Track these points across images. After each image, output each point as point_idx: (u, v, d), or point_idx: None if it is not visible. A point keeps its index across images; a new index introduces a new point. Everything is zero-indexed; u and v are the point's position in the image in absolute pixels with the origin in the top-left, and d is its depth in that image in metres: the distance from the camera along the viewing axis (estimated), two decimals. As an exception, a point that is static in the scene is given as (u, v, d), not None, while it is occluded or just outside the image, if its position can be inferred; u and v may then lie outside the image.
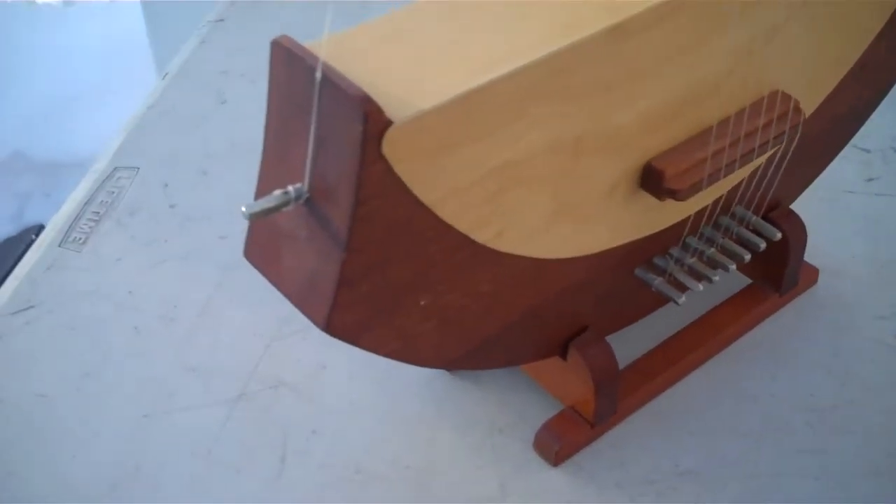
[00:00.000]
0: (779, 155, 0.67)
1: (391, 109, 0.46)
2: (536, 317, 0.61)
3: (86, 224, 0.85)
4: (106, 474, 0.67)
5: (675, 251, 0.66)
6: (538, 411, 0.68)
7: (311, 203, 0.49)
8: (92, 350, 0.75)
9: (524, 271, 0.57)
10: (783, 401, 0.70)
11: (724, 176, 0.60)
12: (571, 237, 0.59)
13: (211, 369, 0.73)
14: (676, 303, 0.64)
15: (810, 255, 0.77)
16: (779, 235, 0.69)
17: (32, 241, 0.87)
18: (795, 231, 0.72)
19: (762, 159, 0.66)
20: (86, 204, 0.87)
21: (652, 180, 0.59)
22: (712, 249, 0.67)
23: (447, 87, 0.48)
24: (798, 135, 0.64)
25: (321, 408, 0.70)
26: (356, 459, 0.67)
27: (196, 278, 0.80)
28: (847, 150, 0.89)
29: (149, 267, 0.82)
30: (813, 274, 0.77)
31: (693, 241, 0.67)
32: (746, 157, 0.61)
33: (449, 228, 0.52)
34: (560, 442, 0.66)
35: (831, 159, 0.76)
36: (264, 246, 0.53)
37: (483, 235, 0.54)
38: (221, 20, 1.14)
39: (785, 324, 0.75)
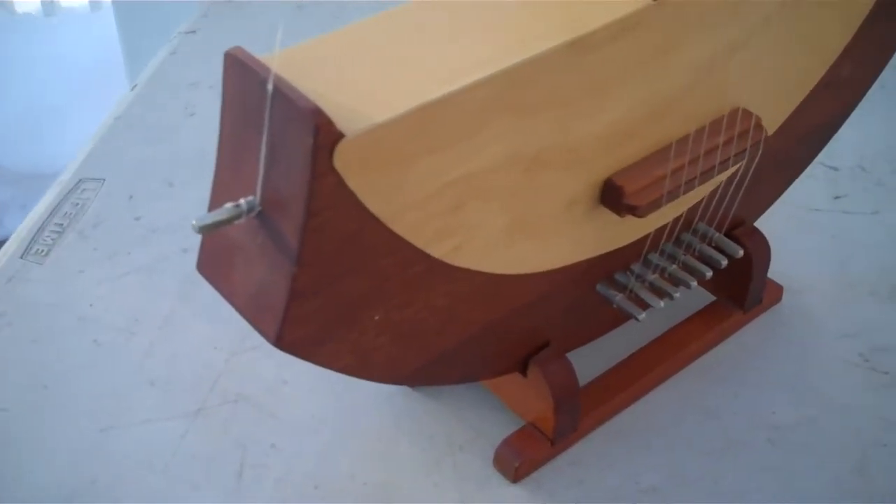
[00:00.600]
0: (741, 172, 0.66)
1: (344, 122, 0.46)
2: (495, 332, 0.61)
3: (49, 236, 0.85)
4: (63, 487, 0.66)
5: (636, 267, 0.66)
6: (499, 427, 0.68)
7: (263, 216, 0.48)
8: (52, 363, 0.74)
9: (482, 286, 0.57)
10: (745, 418, 0.69)
11: (685, 193, 0.60)
12: (530, 252, 0.59)
13: (170, 383, 0.72)
14: (637, 319, 0.64)
15: (775, 273, 0.77)
16: (741, 252, 0.68)
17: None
18: (759, 248, 0.72)
19: (724, 176, 0.65)
20: (49, 216, 0.86)
21: (612, 196, 0.59)
22: (674, 266, 0.67)
23: (404, 99, 0.48)
24: (759, 152, 0.64)
25: (281, 422, 0.70)
26: (314, 475, 0.66)
27: (158, 291, 0.79)
28: (815, 168, 0.89)
29: (111, 279, 0.81)
30: (777, 291, 0.77)
31: (655, 258, 0.66)
32: (707, 175, 0.61)
33: (404, 243, 0.51)
34: (520, 458, 0.65)
35: (796, 177, 0.76)
36: (217, 259, 0.52)
37: (439, 250, 0.53)
38: (193, 32, 1.13)
39: (748, 341, 0.75)
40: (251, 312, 0.51)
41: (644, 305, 0.65)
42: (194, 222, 0.47)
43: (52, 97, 2.03)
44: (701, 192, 0.65)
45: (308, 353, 0.51)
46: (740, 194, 0.68)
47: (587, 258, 0.62)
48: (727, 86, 0.61)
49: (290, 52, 0.50)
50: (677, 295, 0.65)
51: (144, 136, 0.96)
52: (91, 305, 0.78)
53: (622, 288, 0.65)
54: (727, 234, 0.71)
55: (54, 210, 0.87)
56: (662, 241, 0.66)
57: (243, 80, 0.48)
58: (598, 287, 0.65)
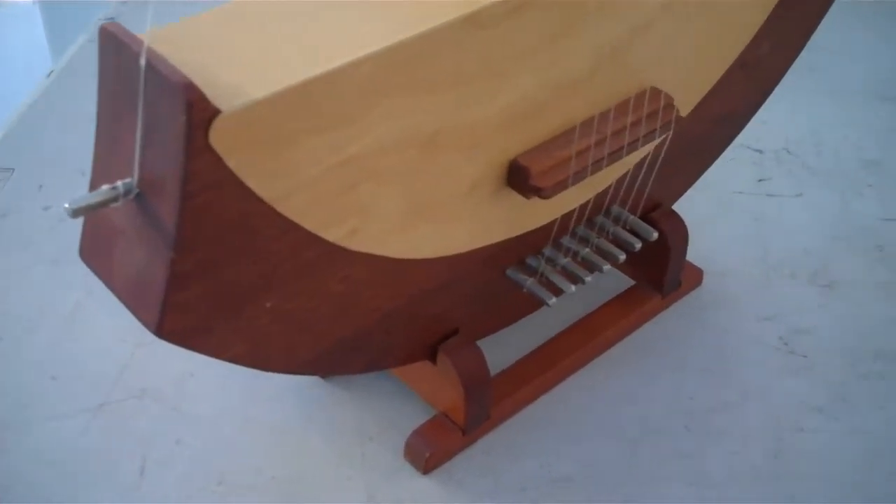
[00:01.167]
0: (653, 154, 0.65)
1: (222, 98, 0.44)
2: (398, 319, 0.59)
3: (-48, 227, 0.82)
4: (-45, 488, 0.63)
5: (548, 251, 0.64)
6: (411, 418, 0.66)
7: (142, 199, 0.46)
8: (-50, 358, 0.71)
9: (381, 272, 0.55)
10: (662, 404, 0.68)
11: (592, 174, 0.59)
12: (432, 236, 0.57)
13: (73, 377, 0.70)
14: (547, 304, 0.62)
15: (697, 256, 0.76)
16: (655, 235, 0.67)
17: None
18: (676, 231, 0.71)
19: (635, 157, 0.64)
20: (-47, 206, 0.84)
21: (517, 178, 0.57)
22: (587, 250, 0.65)
23: (287, 76, 0.46)
24: (671, 132, 0.62)
25: (186, 417, 0.67)
26: (220, 470, 0.64)
27: (65, 283, 0.77)
28: (740, 151, 0.89)
29: (17, 271, 0.78)
30: (697, 275, 0.76)
31: (567, 241, 0.65)
32: (615, 156, 0.59)
33: (293, 226, 0.49)
34: (430, 449, 0.64)
35: (714, 159, 0.75)
36: (99, 245, 0.50)
37: (334, 234, 0.51)
38: (111, 19, 1.10)
39: (667, 326, 0.73)
40: (132, 300, 0.49)
41: (556, 290, 0.63)
42: (67, 205, 0.45)
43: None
44: (612, 173, 0.64)
45: (193, 342, 0.49)
46: (653, 176, 0.67)
47: (494, 242, 0.61)
48: (635, 67, 0.60)
49: (171, 27, 0.48)
50: (589, 279, 0.64)
51: (58, 124, 0.94)
52: (-7, 298, 0.76)
53: (533, 272, 0.64)
54: (644, 217, 0.70)
55: (-41, 201, 0.84)
56: (573, 223, 0.64)
57: (118, 55, 0.46)
58: (509, 272, 0.64)
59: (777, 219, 0.82)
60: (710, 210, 0.83)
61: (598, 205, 0.65)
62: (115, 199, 0.46)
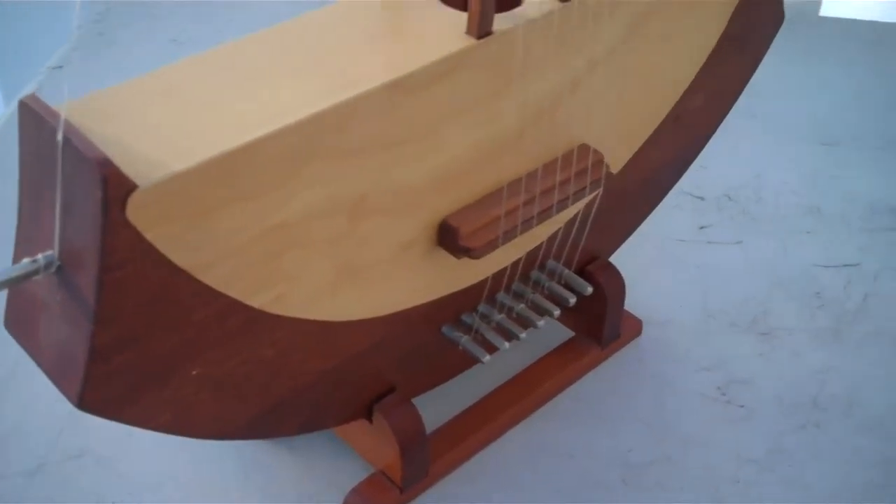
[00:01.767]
0: (586, 209, 0.66)
1: (140, 171, 0.44)
2: (332, 380, 0.59)
3: None
4: None
5: (483, 307, 0.64)
6: (350, 476, 0.66)
7: (63, 272, 0.46)
8: None
9: (312, 335, 0.55)
10: (601, 458, 0.68)
11: (522, 233, 0.59)
12: (363, 298, 0.57)
13: (10, 438, 0.69)
14: (481, 362, 0.63)
15: (637, 305, 0.77)
16: (590, 290, 0.68)
17: None
18: (612, 283, 0.71)
19: (567, 214, 0.64)
20: None
21: (447, 238, 0.58)
22: (522, 305, 0.66)
23: (207, 146, 0.46)
24: (601, 189, 0.63)
25: (124, 478, 0.67)
26: (156, 532, 0.64)
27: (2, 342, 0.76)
28: (681, 198, 0.89)
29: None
30: (637, 325, 0.76)
31: (502, 297, 0.65)
32: (545, 214, 0.60)
33: (217, 294, 0.49)
34: (368, 508, 0.63)
35: (651, 209, 0.75)
36: (23, 316, 0.50)
37: (260, 300, 0.51)
38: (60, 67, 1.10)
39: (607, 377, 0.74)
40: (54, 371, 0.48)
41: (490, 348, 0.63)
42: (-13, 279, 0.45)
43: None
44: (544, 230, 0.64)
45: (117, 413, 0.49)
46: (587, 230, 0.67)
47: (428, 301, 0.61)
48: (564, 126, 0.60)
49: (91, 97, 0.48)
50: (524, 336, 0.64)
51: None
52: (-70, 359, 0.75)
53: (468, 329, 0.64)
54: (581, 270, 0.71)
55: None
56: (506, 280, 0.65)
57: (37, 129, 0.46)
58: (444, 329, 0.64)
59: (717, 266, 0.83)
60: (651, 258, 0.83)
61: (532, 261, 0.65)
62: (35, 272, 0.46)
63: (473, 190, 0.58)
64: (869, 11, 1.14)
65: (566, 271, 0.68)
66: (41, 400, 0.72)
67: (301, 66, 0.51)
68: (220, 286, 0.49)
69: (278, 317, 0.53)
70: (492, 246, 0.58)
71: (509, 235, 0.58)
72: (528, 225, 0.59)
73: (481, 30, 0.53)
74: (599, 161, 0.62)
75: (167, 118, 0.48)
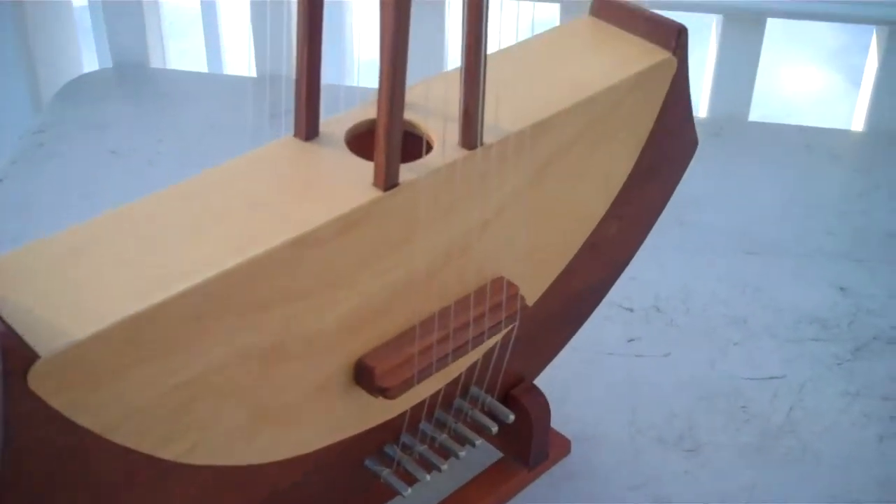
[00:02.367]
0: (501, 341, 0.67)
1: (43, 340, 0.45)
2: (252, 521, 0.59)
3: None
4: None
5: (405, 438, 0.65)
6: None
7: (-30, 437, 0.46)
8: None
9: (230, 479, 0.56)
10: (528, 584, 0.69)
11: (438, 370, 0.60)
12: (280, 439, 0.57)
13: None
14: (403, 495, 0.63)
15: (567, 420, 0.78)
16: (512, 417, 0.68)
17: None
18: (536, 407, 0.72)
19: (484, 347, 0.65)
20: None
21: (363, 378, 0.58)
22: (444, 435, 0.66)
23: (115, 309, 0.47)
24: (517, 322, 0.64)
25: None
26: None
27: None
28: (610, 310, 0.91)
29: None
30: (565, 444, 0.77)
31: (424, 426, 0.66)
32: (460, 351, 0.61)
33: (126, 451, 0.50)
34: None
35: (576, 330, 0.77)
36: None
37: (173, 451, 0.52)
38: (0, 180, 1.11)
39: (536, 499, 0.74)
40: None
41: (411, 480, 0.64)
42: None
43: None
44: (462, 362, 0.65)
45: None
46: (507, 358, 0.68)
47: (347, 437, 0.61)
48: (475, 263, 0.61)
49: (8, 256, 0.49)
50: (444, 467, 0.65)
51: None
52: None
53: (390, 462, 0.64)
54: (506, 393, 0.72)
55: None
56: (426, 411, 0.65)
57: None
58: (367, 462, 0.64)
59: (646, 380, 0.84)
60: (580, 373, 0.84)
61: (451, 392, 0.66)
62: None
63: (388, 329, 0.59)
64: (796, 116, 1.17)
65: (488, 399, 0.68)
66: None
67: (209, 222, 0.52)
68: (130, 443, 0.50)
69: (191, 466, 0.53)
70: (407, 385, 0.59)
71: (425, 373, 0.59)
72: (443, 362, 0.60)
73: (387, 182, 0.54)
74: (514, 295, 0.63)
75: (74, 281, 0.49)
